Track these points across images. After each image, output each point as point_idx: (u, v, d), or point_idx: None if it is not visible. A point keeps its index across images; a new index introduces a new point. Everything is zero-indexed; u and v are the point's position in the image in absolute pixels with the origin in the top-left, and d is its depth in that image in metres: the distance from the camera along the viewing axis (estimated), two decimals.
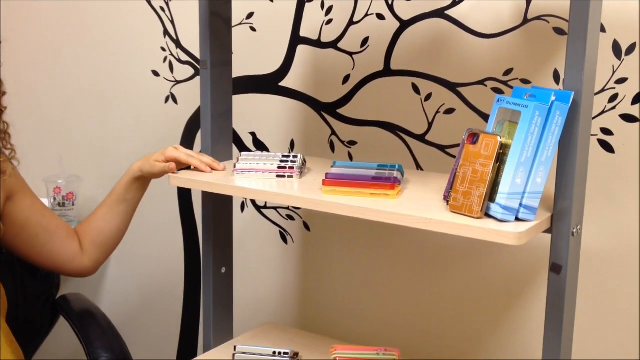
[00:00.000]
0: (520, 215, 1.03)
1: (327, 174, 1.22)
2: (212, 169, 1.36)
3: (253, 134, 1.78)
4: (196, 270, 1.96)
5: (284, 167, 1.31)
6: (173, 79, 1.90)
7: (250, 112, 1.77)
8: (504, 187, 1.02)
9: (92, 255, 1.49)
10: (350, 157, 1.62)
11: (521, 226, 1.01)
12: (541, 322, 1.09)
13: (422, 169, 1.53)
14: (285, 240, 1.77)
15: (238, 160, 1.34)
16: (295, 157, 1.34)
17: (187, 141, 1.91)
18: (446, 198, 1.12)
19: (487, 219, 1.05)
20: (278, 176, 1.31)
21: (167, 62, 1.90)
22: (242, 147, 1.80)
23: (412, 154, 1.54)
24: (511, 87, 1.39)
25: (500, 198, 1.02)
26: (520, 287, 1.45)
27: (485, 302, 1.50)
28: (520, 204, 1.02)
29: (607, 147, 1.30)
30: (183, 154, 1.37)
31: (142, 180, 1.46)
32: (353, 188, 1.18)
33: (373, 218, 1.11)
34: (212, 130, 1.43)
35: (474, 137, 1.07)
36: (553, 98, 1.00)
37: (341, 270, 1.69)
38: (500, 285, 1.48)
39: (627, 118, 1.28)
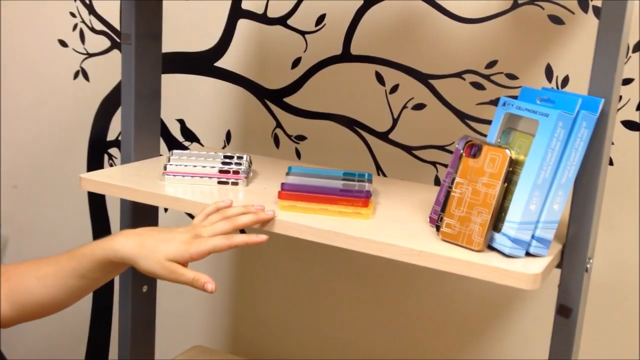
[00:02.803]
0: (532, 250, 0.83)
1: (283, 184, 0.98)
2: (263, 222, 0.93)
3: (181, 122, 1.51)
4: (109, 288, 1.68)
5: (227, 172, 1.07)
6: (84, 51, 1.60)
7: (179, 95, 1.50)
8: (514, 214, 0.82)
9: (6, 310, 0.94)
10: (298, 155, 1.39)
11: (534, 264, 0.81)
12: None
13: (384, 174, 1.32)
14: None
15: (169, 160, 1.09)
16: (240, 157, 1.10)
17: (101, 126, 1.62)
18: (435, 222, 0.90)
19: (489, 252, 0.84)
20: (220, 182, 1.06)
21: (78, 30, 1.60)
22: (168, 137, 1.53)
23: (372, 155, 1.32)
24: (494, 83, 1.19)
25: (508, 228, 0.82)
26: (497, 311, 1.27)
27: (453, 327, 1.31)
28: (533, 236, 0.83)
29: None
30: (224, 242, 0.88)
31: (123, 267, 0.94)
32: (317, 204, 0.95)
33: (346, 246, 0.89)
34: (135, 117, 1.16)
35: (473, 149, 0.86)
36: (579, 105, 0.80)
37: (278, 286, 1.47)
38: (471, 308, 1.29)
39: (630, 125, 1.11)
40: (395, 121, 1.29)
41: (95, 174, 1.10)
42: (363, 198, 0.95)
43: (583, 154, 0.82)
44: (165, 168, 1.06)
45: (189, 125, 1.51)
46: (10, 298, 0.92)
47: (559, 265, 0.88)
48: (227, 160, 1.09)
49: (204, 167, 1.07)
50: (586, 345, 1.13)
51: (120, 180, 1.06)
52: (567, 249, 0.87)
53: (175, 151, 1.11)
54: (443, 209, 0.88)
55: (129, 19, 1.12)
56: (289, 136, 1.40)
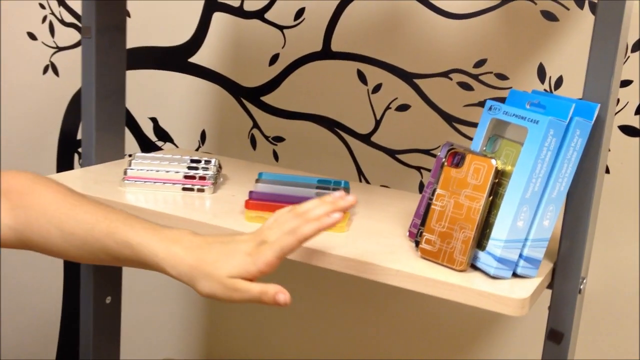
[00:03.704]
0: (519, 271, 0.75)
1: (251, 192, 0.90)
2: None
3: (154, 120, 1.43)
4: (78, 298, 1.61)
5: (193, 177, 0.99)
6: (54, 45, 1.52)
7: (152, 92, 1.42)
8: (499, 231, 0.74)
9: (9, 240, 0.80)
10: (276, 157, 1.31)
11: (521, 287, 0.74)
12: None
13: (365, 179, 1.24)
14: None
15: (130, 164, 1.00)
16: (208, 162, 1.02)
17: (71, 124, 1.54)
18: (414, 236, 0.83)
19: (472, 271, 0.77)
20: (185, 189, 0.98)
21: (47, 23, 1.52)
22: (140, 136, 1.44)
23: (353, 159, 1.24)
24: (482, 83, 1.12)
25: (493, 246, 0.74)
26: (483, 332, 1.19)
27: (437, 348, 1.24)
28: (521, 255, 0.75)
29: None
30: (291, 239, 0.71)
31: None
32: None
33: (314, 262, 0.81)
34: (96, 116, 1.08)
35: (456, 158, 0.78)
36: (572, 111, 0.72)
37: None
38: (457, 329, 1.21)
39: (628, 130, 1.03)
40: (377, 123, 1.21)
41: (53, 177, 1.01)
42: None
43: (576, 165, 0.74)
44: (125, 173, 0.98)
45: (162, 124, 1.42)
46: (19, 233, 0.78)
47: (549, 286, 0.81)
48: (194, 165, 1.01)
49: (168, 172, 0.99)
50: None
51: (77, 186, 0.98)
52: (558, 268, 0.79)
53: (137, 154, 1.03)
54: (423, 223, 0.80)
55: (89, 10, 1.03)
56: (266, 137, 1.31)
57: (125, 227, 0.75)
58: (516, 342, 1.17)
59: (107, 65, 1.08)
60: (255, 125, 1.32)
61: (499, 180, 0.76)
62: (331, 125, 1.25)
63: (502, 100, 0.82)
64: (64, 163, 1.57)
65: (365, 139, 1.22)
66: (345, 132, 1.24)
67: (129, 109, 1.44)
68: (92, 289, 1.13)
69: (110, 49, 1.08)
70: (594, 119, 0.73)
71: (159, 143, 1.43)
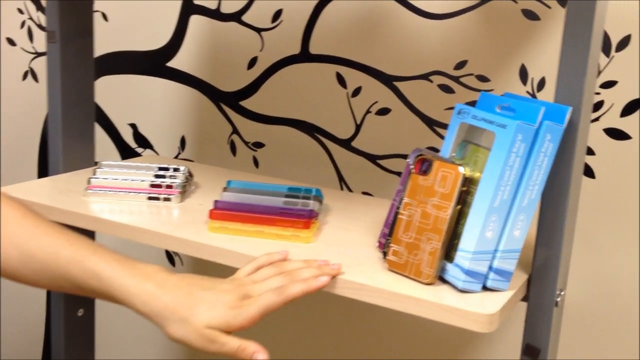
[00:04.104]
0: (489, 284, 0.71)
1: (216, 202, 0.87)
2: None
3: (134, 126, 1.40)
4: None
5: (159, 185, 0.95)
6: (33, 50, 1.49)
7: (131, 98, 1.38)
8: (467, 242, 0.70)
9: None
10: (256, 163, 1.27)
11: (490, 301, 0.70)
12: None
13: (347, 185, 1.20)
14: (172, 261, 1.41)
15: (94, 173, 0.97)
16: (177, 169, 0.98)
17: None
18: (383, 247, 0.79)
19: (441, 284, 0.73)
20: (150, 198, 0.94)
21: (26, 28, 1.49)
22: (120, 143, 1.41)
23: (334, 165, 1.20)
24: (463, 85, 1.08)
25: (461, 258, 0.70)
26: (458, 348, 1.15)
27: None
28: (490, 267, 0.71)
29: (586, 171, 1.01)
30: (277, 298, 0.69)
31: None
32: (252, 225, 0.84)
33: None
34: (63, 123, 1.05)
35: (424, 165, 0.75)
36: (542, 115, 0.68)
37: None
38: (430, 343, 1.17)
39: (614, 133, 0.99)
40: (358, 127, 1.17)
41: (16, 187, 0.98)
42: (304, 218, 0.84)
43: (548, 171, 0.70)
44: (89, 182, 0.95)
45: (141, 130, 1.39)
46: None
47: (525, 298, 0.77)
48: (161, 173, 0.97)
49: (134, 180, 0.95)
50: None
51: (40, 196, 0.95)
52: (533, 280, 0.75)
53: (104, 162, 1.00)
54: (390, 233, 0.77)
55: (53, 14, 1.00)
56: (246, 143, 1.28)
57: (95, 256, 0.70)
58: (505, 353, 1.13)
59: (74, 70, 1.05)
60: (235, 130, 1.29)
61: (468, 189, 0.72)
62: (311, 130, 1.21)
63: (471, 105, 0.78)
64: (45, 170, 1.54)
65: (346, 144, 1.19)
66: (325, 137, 1.20)
67: (108, 115, 1.41)
68: (62, 301, 1.10)
69: (77, 54, 1.04)
70: (566, 122, 0.69)
71: (139, 150, 1.40)
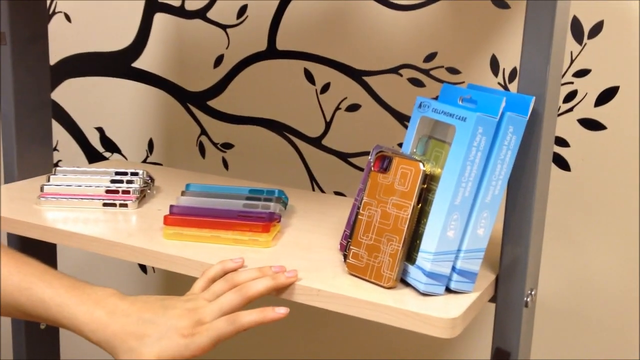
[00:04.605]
0: (453, 285, 0.67)
1: (172, 206, 0.83)
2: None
3: (100, 130, 1.36)
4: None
5: (115, 191, 0.91)
6: None
7: (97, 101, 1.34)
8: (428, 243, 0.66)
9: None
10: (226, 165, 1.23)
11: (455, 304, 0.66)
12: None
13: (319, 185, 1.16)
14: (144, 269, 1.37)
15: (48, 179, 0.93)
16: (135, 174, 0.94)
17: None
18: (344, 249, 0.75)
19: (403, 288, 0.69)
20: (106, 204, 0.90)
21: None
22: (87, 147, 1.37)
23: (305, 164, 1.16)
24: (434, 78, 1.04)
25: (422, 259, 0.66)
26: (431, 351, 1.11)
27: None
28: (454, 269, 0.67)
29: (561, 163, 0.97)
30: (229, 329, 0.66)
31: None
32: (208, 230, 0.80)
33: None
34: (17, 127, 1.01)
35: (384, 162, 0.71)
36: (503, 106, 0.65)
37: None
38: (398, 347, 1.14)
39: (589, 124, 0.95)
40: (328, 125, 1.13)
41: None
42: (263, 222, 0.80)
43: (512, 165, 0.66)
44: (42, 189, 0.91)
45: (108, 134, 1.35)
46: None
47: (494, 299, 0.73)
48: (118, 178, 0.93)
49: (89, 186, 0.91)
50: None
51: None
52: (501, 279, 0.71)
53: (59, 168, 0.96)
54: (351, 235, 0.73)
55: (3, 15, 0.96)
56: (215, 144, 1.24)
57: (43, 283, 0.68)
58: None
59: (27, 74, 1.00)
60: (203, 131, 1.25)
61: (429, 186, 0.68)
62: (280, 129, 1.17)
63: (434, 98, 0.74)
64: None
65: (316, 142, 1.15)
66: (295, 135, 1.16)
67: (74, 119, 1.37)
68: None
69: (31, 57, 1.00)
70: (529, 113, 0.65)
71: (107, 154, 1.36)
